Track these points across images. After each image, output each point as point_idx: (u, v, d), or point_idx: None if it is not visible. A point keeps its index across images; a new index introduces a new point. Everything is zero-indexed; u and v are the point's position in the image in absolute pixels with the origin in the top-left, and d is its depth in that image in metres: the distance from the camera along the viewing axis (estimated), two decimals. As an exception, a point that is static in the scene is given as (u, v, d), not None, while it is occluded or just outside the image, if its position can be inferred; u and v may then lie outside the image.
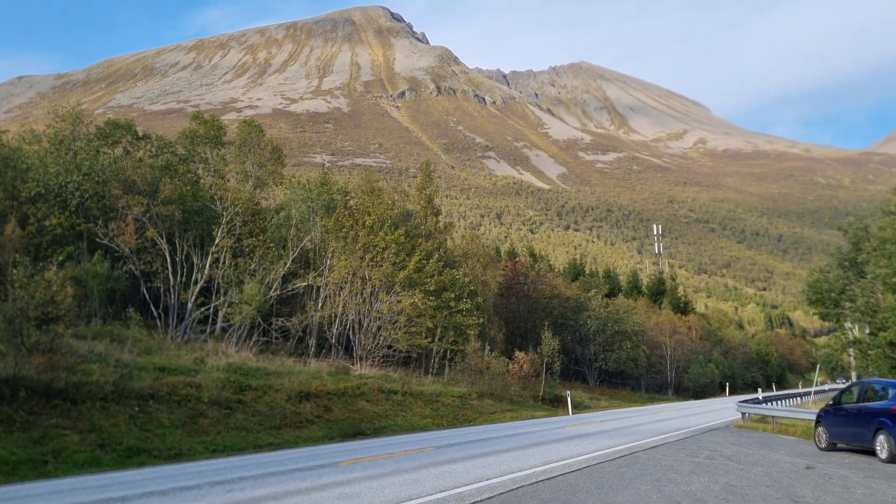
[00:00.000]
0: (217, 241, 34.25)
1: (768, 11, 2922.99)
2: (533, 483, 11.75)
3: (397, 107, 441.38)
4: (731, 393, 78.71)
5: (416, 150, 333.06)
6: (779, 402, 39.25)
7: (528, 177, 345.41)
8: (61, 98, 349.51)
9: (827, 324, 59.24)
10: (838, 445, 18.21)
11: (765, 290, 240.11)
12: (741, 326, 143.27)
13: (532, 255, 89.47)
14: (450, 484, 11.59)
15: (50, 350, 17.67)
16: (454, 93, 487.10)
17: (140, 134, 40.41)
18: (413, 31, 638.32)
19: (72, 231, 32.20)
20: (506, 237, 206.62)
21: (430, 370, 40.63)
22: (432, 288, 39.05)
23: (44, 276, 18.20)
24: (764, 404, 31.89)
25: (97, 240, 31.96)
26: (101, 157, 34.80)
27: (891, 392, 16.16)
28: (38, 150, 34.87)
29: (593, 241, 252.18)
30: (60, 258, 28.71)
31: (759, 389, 53.76)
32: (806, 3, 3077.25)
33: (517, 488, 11.25)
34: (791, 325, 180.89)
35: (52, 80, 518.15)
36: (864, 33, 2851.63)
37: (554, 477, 12.40)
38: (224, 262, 34.30)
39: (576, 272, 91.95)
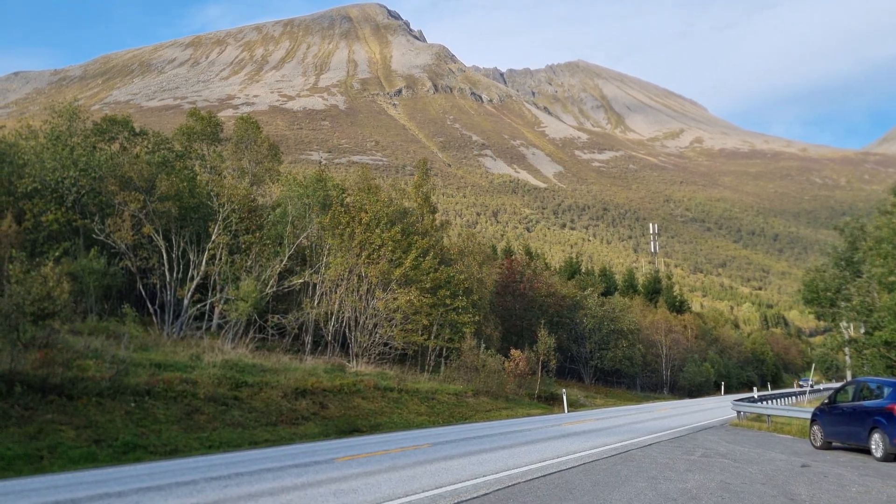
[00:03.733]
0: (213, 237, 34.21)
1: (766, 11, 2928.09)
2: (529, 480, 11.78)
3: (394, 104, 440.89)
4: (726, 392, 78.83)
5: (412, 147, 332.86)
6: (774, 401, 39.36)
7: (524, 175, 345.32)
8: (58, 94, 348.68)
9: (822, 323, 59.33)
10: (833, 444, 18.28)
11: (760, 289, 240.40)
12: (737, 326, 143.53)
13: (528, 253, 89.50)
14: (446, 480, 11.61)
15: (46, 346, 17.66)
16: (451, 91, 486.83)
17: (137, 130, 40.36)
18: (410, 29, 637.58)
19: (68, 227, 32.13)
20: (502, 235, 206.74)
21: (426, 368, 40.62)
22: (428, 285, 39.05)
23: (40, 272, 18.15)
24: (759, 403, 31.97)
25: (93, 236, 31.90)
26: (97, 153, 34.70)
27: (886, 391, 16.22)
28: (34, 146, 34.74)
29: (589, 240, 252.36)
30: (56, 254, 28.33)
31: (755, 388, 53.93)
32: (804, 4, 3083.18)
33: (513, 485, 11.26)
34: (786, 324, 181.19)
35: (49, 75, 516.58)
36: (862, 33, 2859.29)
37: (550, 474, 12.42)
38: (220, 259, 34.26)
39: (572, 271, 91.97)
